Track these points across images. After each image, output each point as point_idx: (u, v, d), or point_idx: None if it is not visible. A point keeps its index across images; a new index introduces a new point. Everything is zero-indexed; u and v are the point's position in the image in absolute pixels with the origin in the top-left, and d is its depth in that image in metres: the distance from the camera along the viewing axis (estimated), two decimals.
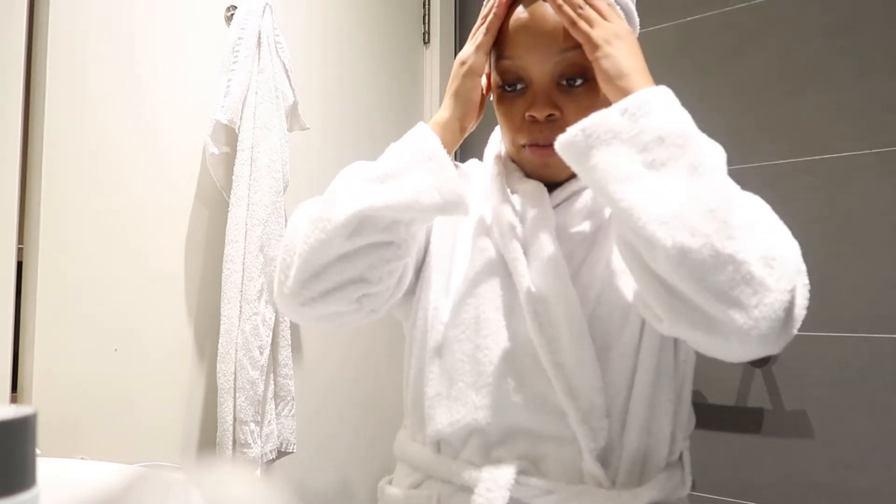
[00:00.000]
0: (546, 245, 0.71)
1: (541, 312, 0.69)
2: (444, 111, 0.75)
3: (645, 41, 0.78)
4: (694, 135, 0.59)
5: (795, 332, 0.58)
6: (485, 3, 0.76)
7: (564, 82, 0.71)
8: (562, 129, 0.69)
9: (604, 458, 0.68)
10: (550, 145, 0.68)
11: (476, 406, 0.70)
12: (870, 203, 1.31)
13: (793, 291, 0.56)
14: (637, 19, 0.77)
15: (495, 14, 0.72)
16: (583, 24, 0.66)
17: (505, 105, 0.74)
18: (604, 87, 0.66)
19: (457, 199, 0.67)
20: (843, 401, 1.31)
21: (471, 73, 0.74)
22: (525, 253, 0.71)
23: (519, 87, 0.73)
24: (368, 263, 0.67)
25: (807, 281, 0.59)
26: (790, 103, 1.40)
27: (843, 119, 1.35)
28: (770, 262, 0.55)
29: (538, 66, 0.70)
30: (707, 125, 0.63)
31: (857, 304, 1.31)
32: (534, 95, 0.71)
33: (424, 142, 0.70)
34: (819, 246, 1.35)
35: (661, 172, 0.58)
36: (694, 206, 0.55)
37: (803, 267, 0.59)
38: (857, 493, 1.28)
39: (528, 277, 0.70)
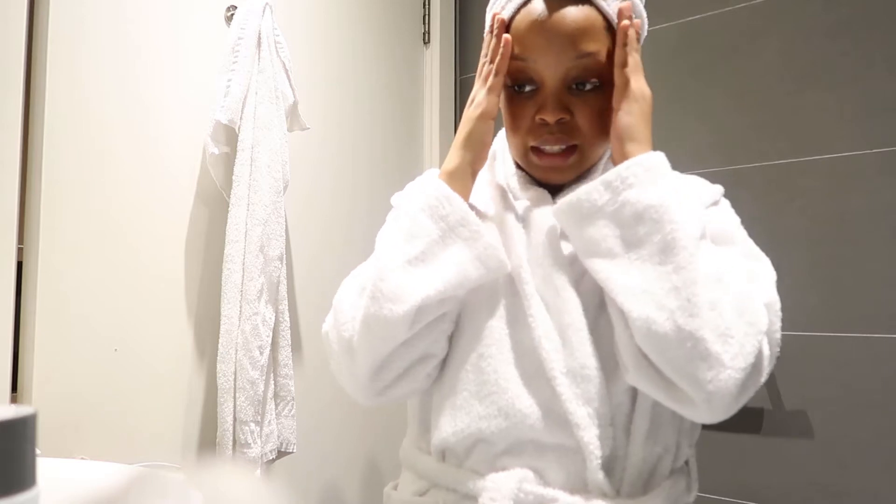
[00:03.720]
0: (549, 251, 0.70)
1: (544, 319, 0.68)
2: (455, 158, 0.73)
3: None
4: (670, 207, 0.62)
5: (757, 389, 0.63)
6: (486, 33, 0.75)
7: (575, 86, 0.71)
8: (571, 132, 0.71)
9: (608, 467, 0.67)
10: (559, 152, 0.71)
11: (480, 415, 0.69)
12: (870, 203, 1.31)
13: (747, 369, 0.59)
14: (645, 14, 0.76)
15: (502, 55, 0.71)
16: (629, 71, 0.69)
17: (514, 107, 0.73)
18: (613, 140, 0.69)
19: (499, 265, 0.69)
20: (843, 401, 1.31)
21: (484, 117, 0.72)
22: (528, 259, 0.71)
23: (529, 88, 0.72)
24: (430, 340, 0.70)
25: (778, 349, 0.64)
26: (790, 103, 1.40)
27: (843, 119, 1.35)
28: (728, 340, 0.59)
29: (552, 70, 0.70)
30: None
31: (857, 304, 1.31)
32: (545, 98, 0.71)
33: (449, 207, 0.69)
34: (819, 246, 1.35)
35: (637, 250, 0.63)
36: (662, 284, 0.61)
37: (778, 334, 0.64)
38: (857, 493, 1.28)
39: (531, 284, 0.70)
